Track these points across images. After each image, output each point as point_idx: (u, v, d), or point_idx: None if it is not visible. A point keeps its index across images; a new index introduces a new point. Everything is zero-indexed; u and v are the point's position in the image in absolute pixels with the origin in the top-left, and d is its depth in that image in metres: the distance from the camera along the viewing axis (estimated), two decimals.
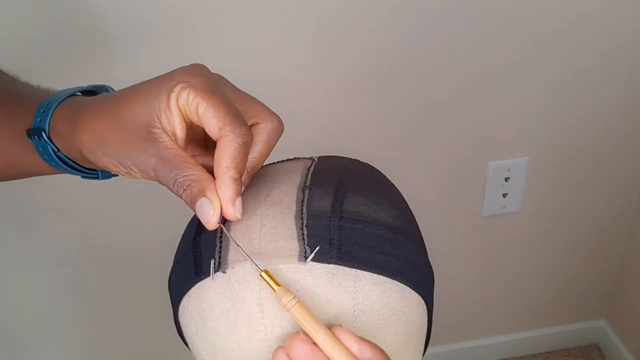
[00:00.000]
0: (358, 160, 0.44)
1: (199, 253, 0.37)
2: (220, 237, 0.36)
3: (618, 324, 1.43)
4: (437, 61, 0.99)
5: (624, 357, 1.39)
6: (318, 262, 0.34)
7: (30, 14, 0.84)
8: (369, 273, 0.35)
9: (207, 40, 0.91)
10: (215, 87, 0.35)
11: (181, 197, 0.35)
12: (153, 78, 0.36)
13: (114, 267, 1.13)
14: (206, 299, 0.35)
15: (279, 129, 0.37)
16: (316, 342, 0.31)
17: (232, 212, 0.34)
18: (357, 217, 0.37)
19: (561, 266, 1.35)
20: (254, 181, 0.39)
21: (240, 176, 0.35)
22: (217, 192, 0.34)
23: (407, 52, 0.97)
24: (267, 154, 0.37)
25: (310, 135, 1.02)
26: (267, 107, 0.38)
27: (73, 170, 0.41)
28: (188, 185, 0.34)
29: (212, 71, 0.37)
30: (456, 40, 0.97)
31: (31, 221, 1.05)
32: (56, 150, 0.39)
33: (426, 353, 0.44)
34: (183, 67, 0.36)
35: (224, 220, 0.35)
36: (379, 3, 0.91)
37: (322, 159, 0.43)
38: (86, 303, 1.18)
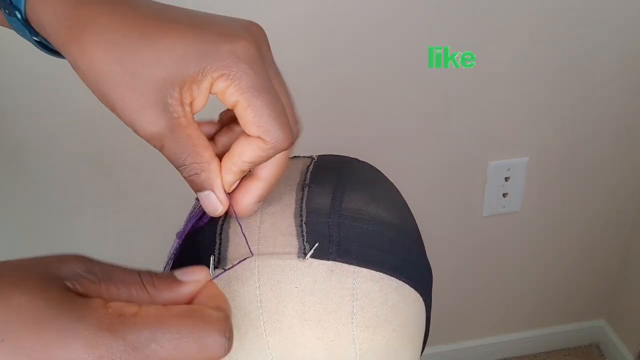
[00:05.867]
0: (357, 159, 0.44)
1: (197, 250, 0.37)
2: (220, 234, 0.36)
3: (618, 324, 1.43)
4: None
5: (624, 357, 1.39)
6: (317, 258, 0.34)
7: None
8: (368, 270, 0.35)
9: None
10: (262, 83, 0.31)
11: (185, 178, 0.34)
12: (200, 28, 0.31)
13: None
14: None
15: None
16: None
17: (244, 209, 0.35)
18: (356, 214, 0.37)
19: (561, 266, 1.35)
20: None
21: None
22: (223, 189, 0.34)
23: (407, 52, 0.97)
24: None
25: (309, 135, 1.03)
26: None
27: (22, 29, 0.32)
28: (196, 174, 0.33)
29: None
30: (456, 40, 0.97)
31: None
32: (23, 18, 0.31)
33: (426, 353, 0.44)
34: (233, 38, 0.31)
35: (224, 215, 0.35)
36: (380, 4, 0.92)
37: (321, 157, 0.43)
38: None
